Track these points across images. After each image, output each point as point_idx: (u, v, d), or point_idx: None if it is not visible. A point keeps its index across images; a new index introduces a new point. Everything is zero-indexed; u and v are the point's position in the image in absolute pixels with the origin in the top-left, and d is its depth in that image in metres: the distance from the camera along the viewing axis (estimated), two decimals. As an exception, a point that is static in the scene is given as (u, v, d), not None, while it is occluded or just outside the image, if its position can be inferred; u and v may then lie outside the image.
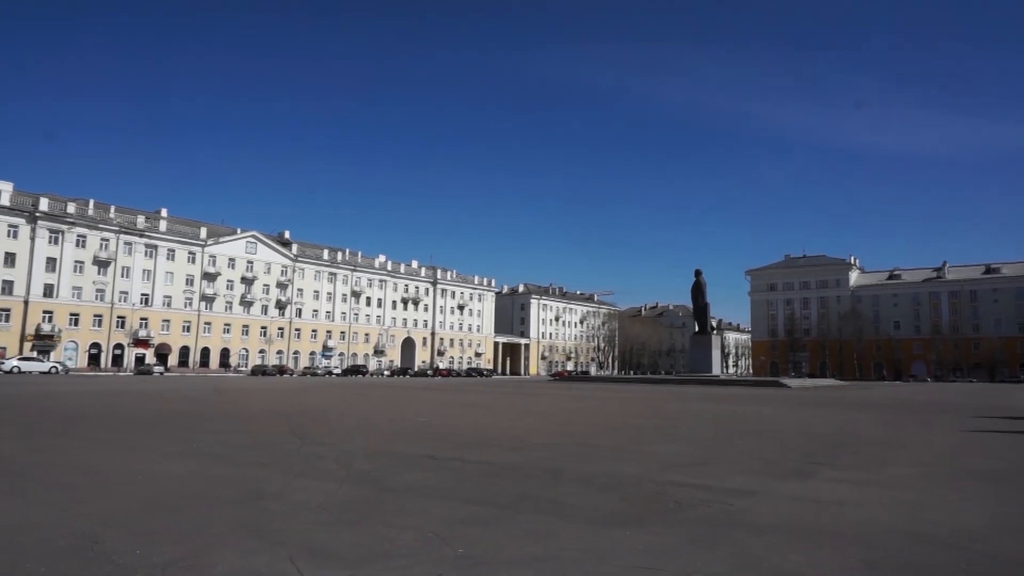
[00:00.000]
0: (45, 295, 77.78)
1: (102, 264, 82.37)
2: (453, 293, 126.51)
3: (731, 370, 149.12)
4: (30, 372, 56.07)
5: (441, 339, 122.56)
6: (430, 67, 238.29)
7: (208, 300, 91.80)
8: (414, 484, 6.84)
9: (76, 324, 79.75)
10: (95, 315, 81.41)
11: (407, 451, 9.44)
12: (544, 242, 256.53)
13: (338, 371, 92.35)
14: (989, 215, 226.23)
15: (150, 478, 7.05)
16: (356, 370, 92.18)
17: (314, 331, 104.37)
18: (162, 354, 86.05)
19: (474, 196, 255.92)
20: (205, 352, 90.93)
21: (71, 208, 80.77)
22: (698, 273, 57.87)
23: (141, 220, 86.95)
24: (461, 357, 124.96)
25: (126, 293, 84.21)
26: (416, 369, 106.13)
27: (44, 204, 78.22)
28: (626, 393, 33.71)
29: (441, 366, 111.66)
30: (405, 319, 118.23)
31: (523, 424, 14.88)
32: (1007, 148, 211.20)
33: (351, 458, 8.53)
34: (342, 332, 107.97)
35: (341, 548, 4.43)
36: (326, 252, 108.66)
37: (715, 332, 60.35)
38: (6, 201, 75.42)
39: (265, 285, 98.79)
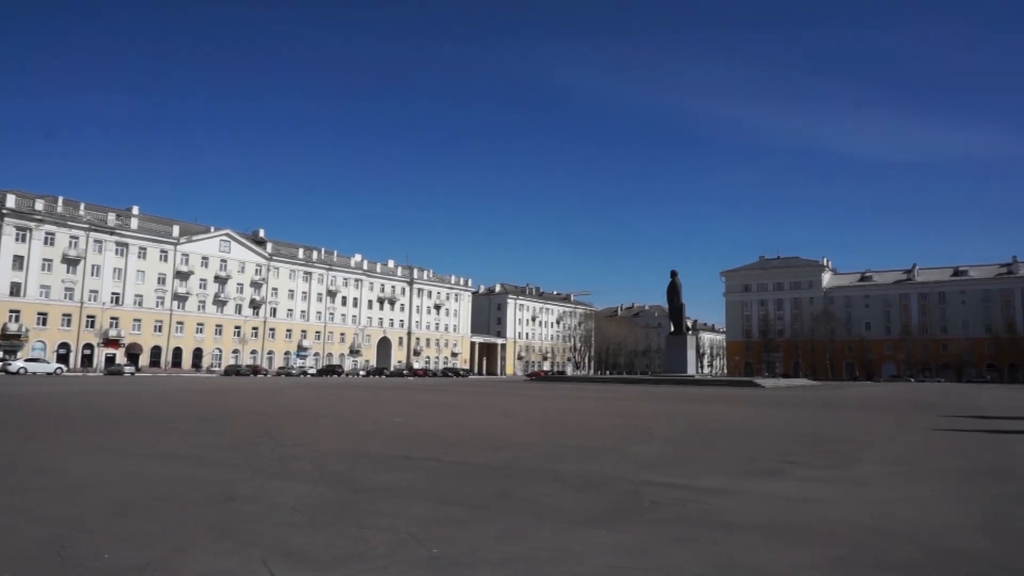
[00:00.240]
0: (12, 294, 76.12)
1: (71, 262, 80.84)
2: (430, 293, 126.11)
3: (706, 370, 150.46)
4: (35, 373, 57.30)
5: (417, 339, 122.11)
6: (407, 64, 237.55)
7: (180, 299, 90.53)
8: (389, 485, 6.80)
9: (44, 324, 78.18)
10: (64, 314, 79.88)
11: (382, 451, 9.39)
12: (521, 242, 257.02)
13: (313, 371, 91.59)
14: (957, 219, 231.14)
15: (120, 480, 6.94)
16: (331, 370, 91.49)
17: (289, 331, 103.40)
18: (133, 354, 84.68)
19: (451, 196, 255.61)
20: (177, 352, 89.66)
21: (39, 205, 79.18)
22: (674, 274, 58.30)
23: (112, 217, 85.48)
24: (437, 357, 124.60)
25: (96, 292, 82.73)
26: (392, 369, 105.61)
27: (11, 201, 76.58)
28: (602, 393, 33.85)
29: (417, 366, 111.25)
30: (381, 319, 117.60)
31: (499, 424, 14.88)
32: (975, 153, 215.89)
33: (325, 459, 8.46)
34: (317, 332, 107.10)
35: (315, 550, 4.39)
36: (301, 251, 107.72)
37: (690, 332, 60.87)
38: (-29, 197, 73.72)
39: (239, 284, 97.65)
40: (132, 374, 68.02)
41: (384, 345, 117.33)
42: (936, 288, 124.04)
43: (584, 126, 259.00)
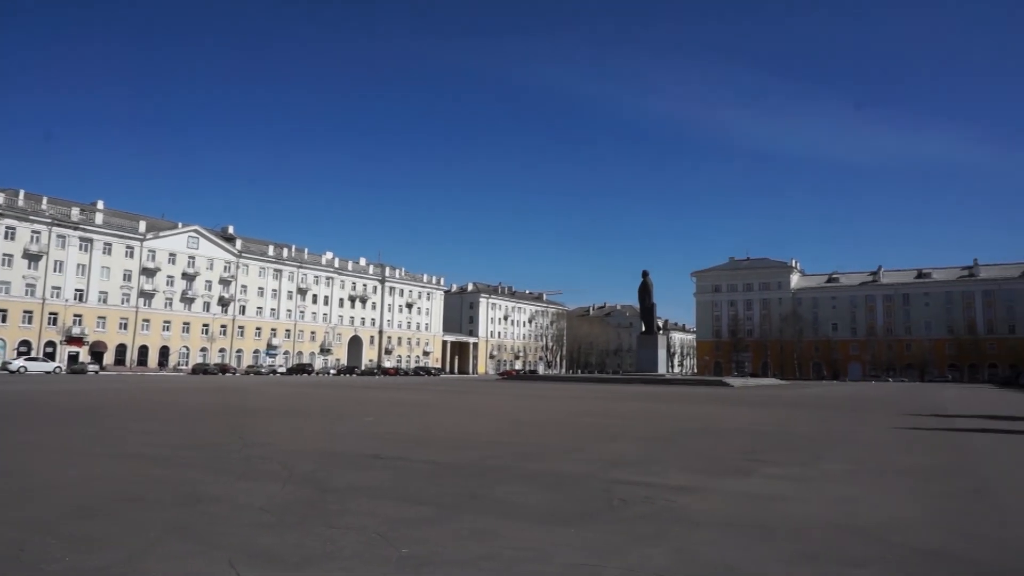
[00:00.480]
0: (-30, 290, 74.12)
1: (33, 258, 78.90)
2: (402, 291, 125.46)
3: (676, 369, 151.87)
4: (35, 372, 58.38)
5: (389, 337, 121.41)
6: (380, 61, 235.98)
7: (147, 296, 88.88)
8: (358, 484, 6.76)
9: (4, 320, 76.21)
10: (25, 311, 77.94)
11: (352, 451, 9.33)
12: (494, 241, 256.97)
13: (283, 370, 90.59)
14: (922, 222, 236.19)
15: (82, 481, 6.80)
16: (301, 369, 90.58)
17: (258, 329, 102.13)
18: (97, 352, 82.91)
19: (424, 194, 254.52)
20: (143, 350, 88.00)
21: (-1, 199, 77.24)
22: (645, 274, 58.81)
23: (75, 212, 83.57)
24: (409, 356, 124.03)
25: (59, 288, 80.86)
26: (363, 368, 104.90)
27: (-30, 194, 74.51)
28: (573, 392, 34.00)
29: (388, 365, 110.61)
30: (352, 317, 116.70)
31: (470, 423, 14.87)
32: (939, 159, 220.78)
33: (294, 459, 8.38)
34: (287, 330, 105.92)
35: (283, 550, 4.35)
36: (271, 248, 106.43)
37: (661, 332, 61.42)
38: (-72, 190, 71.57)
39: (207, 281, 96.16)
40: (96, 373, 66.65)
41: (355, 344, 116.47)
42: (900, 290, 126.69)
43: (558, 126, 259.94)
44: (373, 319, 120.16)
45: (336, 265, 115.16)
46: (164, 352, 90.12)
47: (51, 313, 79.88)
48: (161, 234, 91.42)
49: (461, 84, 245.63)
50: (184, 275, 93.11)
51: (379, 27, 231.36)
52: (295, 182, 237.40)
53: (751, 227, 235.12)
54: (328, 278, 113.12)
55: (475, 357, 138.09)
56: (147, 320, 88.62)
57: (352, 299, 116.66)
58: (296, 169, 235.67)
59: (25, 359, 64.51)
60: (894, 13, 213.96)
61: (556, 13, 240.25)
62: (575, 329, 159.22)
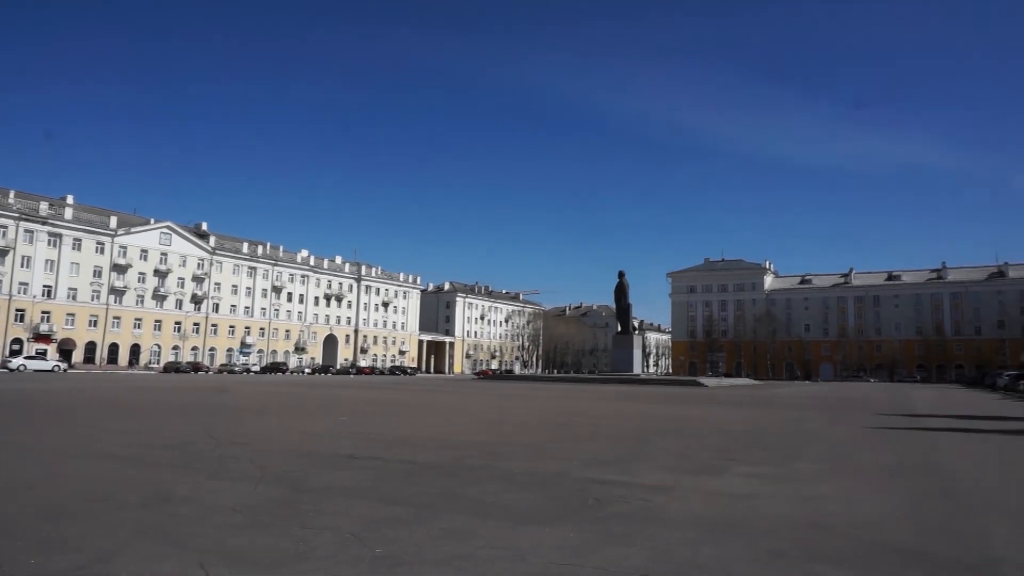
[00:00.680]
0: (-67, 285, 72.31)
1: (-1, 253, 77.25)
2: (378, 290, 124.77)
3: (652, 369, 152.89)
4: (35, 370, 59.09)
5: (365, 336, 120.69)
6: (358, 56, 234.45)
7: (118, 293, 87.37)
8: (333, 484, 6.71)
9: (-31, 317, 74.49)
10: (-10, 307, 76.24)
11: (327, 450, 9.26)
12: (471, 241, 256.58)
13: (257, 368, 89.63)
14: (892, 225, 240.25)
15: (50, 482, 6.67)
16: (276, 367, 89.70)
17: (232, 327, 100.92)
18: (66, 350, 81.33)
19: (401, 193, 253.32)
20: (113, 348, 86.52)
21: (-35, 193, 75.42)
22: (621, 275, 59.15)
23: (44, 207, 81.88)
24: (385, 355, 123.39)
25: (26, 284, 79.15)
26: (338, 367, 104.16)
27: (-66, 187, 72.69)
28: (549, 392, 34.09)
29: (364, 364, 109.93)
30: (328, 316, 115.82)
31: (446, 422, 14.84)
32: (909, 164, 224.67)
33: (268, 458, 8.30)
34: (261, 328, 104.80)
35: (255, 551, 4.30)
36: (246, 245, 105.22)
37: (637, 332, 61.80)
38: None
39: (180, 278, 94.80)
40: (64, 371, 65.39)
41: (330, 342, 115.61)
42: (871, 292, 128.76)
43: (536, 126, 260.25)
44: (349, 318, 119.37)
45: (312, 263, 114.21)
46: (135, 350, 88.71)
47: (18, 310, 78.20)
48: (133, 230, 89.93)
49: (439, 82, 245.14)
50: (156, 272, 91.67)
51: (354, 23, 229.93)
52: (270, 179, 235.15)
53: (726, 229, 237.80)
54: (303, 276, 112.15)
55: (451, 357, 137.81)
56: (118, 317, 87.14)
57: (328, 298, 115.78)
58: (271, 166, 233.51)
59: (24, 357, 64.95)
60: (866, 20, 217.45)
61: (534, 11, 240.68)
62: (551, 329, 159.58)
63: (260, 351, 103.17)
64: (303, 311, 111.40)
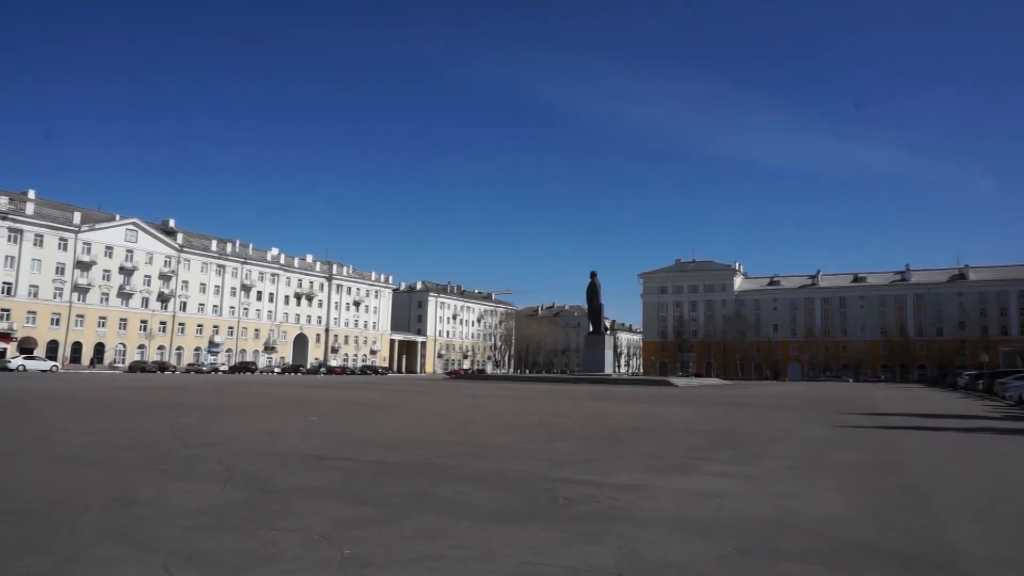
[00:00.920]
0: None
1: (-43, 249, 75.07)
2: (349, 289, 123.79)
3: (623, 369, 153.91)
4: (39, 370, 60.50)
5: (335, 336, 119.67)
6: (330, 53, 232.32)
7: (81, 291, 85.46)
8: (302, 485, 6.65)
9: (-76, 315, 72.28)
10: (-52, 305, 74.07)
11: (296, 451, 9.17)
12: (443, 240, 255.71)
13: (225, 368, 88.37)
14: (858, 228, 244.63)
15: (13, 484, 6.52)
16: (244, 367, 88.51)
17: (200, 326, 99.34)
18: (27, 349, 79.33)
19: (372, 191, 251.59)
20: (77, 347, 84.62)
21: (-79, 187, 73.16)
22: (593, 275, 59.45)
23: (4, 201, 79.70)
24: (356, 355, 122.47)
25: (-15, 282, 77.12)
26: (308, 367, 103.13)
27: None
28: (521, 392, 34.15)
29: (335, 363, 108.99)
30: (298, 315, 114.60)
31: (417, 422, 14.78)
32: (874, 168, 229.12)
33: (235, 458, 8.19)
34: (230, 327, 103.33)
35: (221, 553, 4.24)
36: (214, 243, 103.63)
37: (608, 332, 62.15)
38: None
39: (146, 276, 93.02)
40: (24, 370, 63.85)
41: (301, 342, 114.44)
42: (838, 293, 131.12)
43: (507, 127, 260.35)
44: (320, 317, 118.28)
45: (282, 261, 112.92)
46: (99, 349, 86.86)
47: (-23, 307, 76.12)
48: (97, 226, 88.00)
49: (412, 81, 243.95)
50: (122, 269, 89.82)
51: (328, 19, 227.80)
52: (240, 176, 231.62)
53: (697, 230, 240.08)
54: (273, 275, 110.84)
55: (423, 356, 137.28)
56: (81, 316, 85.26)
57: (298, 296, 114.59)
58: (241, 163, 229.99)
59: (24, 358, 65.65)
60: (834, 25, 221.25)
61: (510, 13, 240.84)
62: (524, 329, 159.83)
63: (229, 350, 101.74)
64: (273, 310, 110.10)
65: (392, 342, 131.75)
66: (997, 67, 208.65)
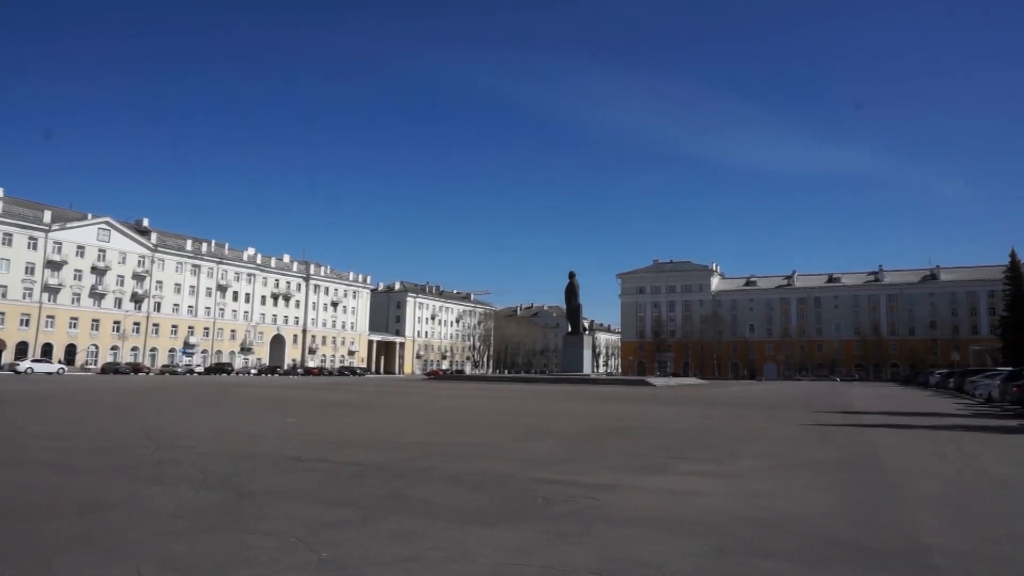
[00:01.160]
0: None
1: (-77, 249, 73.32)
2: (327, 289, 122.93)
3: (601, 369, 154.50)
4: (41, 373, 61.92)
5: (313, 337, 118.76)
6: (304, 51, 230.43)
7: (52, 291, 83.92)
8: (278, 487, 6.59)
9: None
10: (-87, 306, 72.33)
11: (272, 453, 9.08)
12: (422, 240, 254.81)
13: (200, 369, 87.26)
14: (832, 229, 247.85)
15: (-26, 488, 6.36)
16: (220, 368, 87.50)
17: (174, 326, 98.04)
18: (-6, 350, 77.76)
19: (349, 191, 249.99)
20: (47, 348, 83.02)
21: None
22: (572, 275, 59.62)
23: (-28, 201, 78.17)
24: (334, 355, 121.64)
25: (-48, 282, 75.40)
26: (285, 368, 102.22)
27: None
28: (500, 392, 34.14)
29: (312, 364, 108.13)
30: (275, 315, 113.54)
31: (395, 424, 14.72)
32: (847, 169, 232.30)
33: (210, 461, 8.10)
34: (206, 328, 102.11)
35: (195, 558, 4.19)
36: (189, 243, 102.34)
37: (587, 333, 62.41)
38: None
39: (119, 276, 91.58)
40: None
41: (277, 343, 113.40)
42: (813, 293, 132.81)
43: (483, 127, 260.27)
44: (297, 317, 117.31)
45: (258, 261, 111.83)
46: (71, 351, 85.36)
47: (-57, 308, 74.44)
48: (68, 225, 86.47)
49: (391, 79, 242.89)
50: (94, 269, 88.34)
51: (301, 14, 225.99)
52: (215, 176, 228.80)
53: (675, 231, 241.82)
54: (250, 275, 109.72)
55: (402, 357, 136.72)
56: (52, 316, 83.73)
57: (275, 297, 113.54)
58: (216, 162, 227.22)
59: (32, 360, 68.29)
60: (808, 29, 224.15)
61: (491, 13, 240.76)
62: (502, 329, 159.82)
63: (204, 351, 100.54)
64: (249, 310, 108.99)
65: (370, 343, 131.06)
66: (966, 73, 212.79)
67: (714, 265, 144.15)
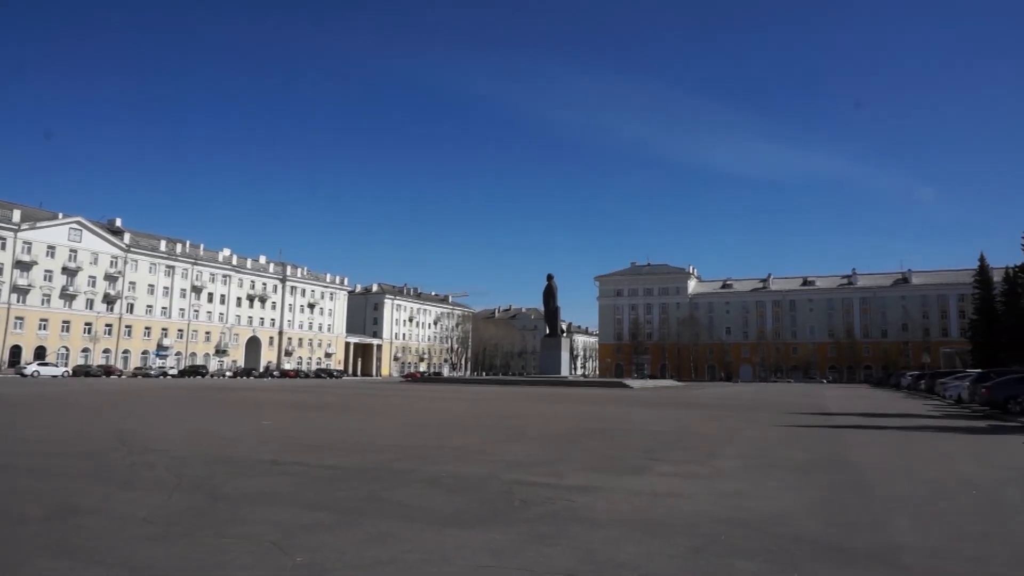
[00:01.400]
0: None
1: None
2: (303, 291, 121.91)
3: (579, 371, 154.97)
4: (47, 376, 62.97)
5: (289, 339, 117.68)
6: (280, 52, 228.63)
7: (21, 292, 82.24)
8: (253, 491, 6.52)
9: None
10: None
11: (248, 456, 8.98)
12: (399, 242, 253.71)
13: (174, 371, 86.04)
14: (807, 233, 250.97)
15: (-61, 493, 6.22)
16: (195, 371, 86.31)
17: (148, 328, 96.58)
18: (-36, 352, 76.07)
19: (327, 192, 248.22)
20: (16, 350, 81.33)
21: None
22: (550, 278, 59.79)
23: (-62, 200, 76.45)
24: (311, 358, 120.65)
25: (-83, 283, 73.61)
26: (261, 370, 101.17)
27: None
28: (478, 394, 34.09)
29: (288, 367, 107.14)
30: (251, 317, 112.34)
31: (372, 426, 14.64)
32: (821, 174, 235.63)
33: (184, 465, 7.99)
34: (180, 330, 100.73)
35: (167, 564, 4.13)
36: (164, 243, 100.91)
37: (565, 335, 62.48)
38: None
39: (91, 277, 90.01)
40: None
41: (253, 345, 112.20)
42: (788, 296, 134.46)
43: (461, 129, 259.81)
44: (273, 319, 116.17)
45: (234, 262, 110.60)
46: (40, 352, 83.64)
47: (-93, 310, 72.66)
48: (38, 225, 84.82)
49: (363, 81, 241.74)
50: (65, 270, 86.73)
51: (274, 15, 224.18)
52: (190, 175, 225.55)
53: (652, 234, 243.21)
54: (225, 276, 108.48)
55: (379, 359, 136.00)
56: (20, 318, 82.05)
57: (251, 298, 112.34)
58: (190, 162, 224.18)
59: (39, 364, 69.38)
60: (782, 32, 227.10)
61: (470, 18, 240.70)
62: (480, 331, 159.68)
63: (178, 354, 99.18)
64: (224, 312, 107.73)
65: (347, 345, 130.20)
66: (940, 79, 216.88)
67: (691, 268, 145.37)
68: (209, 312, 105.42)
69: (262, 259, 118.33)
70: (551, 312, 59.31)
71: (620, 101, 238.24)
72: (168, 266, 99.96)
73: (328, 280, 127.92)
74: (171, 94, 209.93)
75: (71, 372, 71.99)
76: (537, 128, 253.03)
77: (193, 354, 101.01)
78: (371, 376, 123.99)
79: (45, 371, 66.54)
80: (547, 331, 59.87)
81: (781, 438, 13.31)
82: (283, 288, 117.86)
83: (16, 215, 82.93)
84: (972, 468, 9.43)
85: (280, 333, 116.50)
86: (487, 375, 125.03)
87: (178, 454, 9.02)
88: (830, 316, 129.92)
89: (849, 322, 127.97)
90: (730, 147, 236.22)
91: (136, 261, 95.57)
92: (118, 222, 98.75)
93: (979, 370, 38.30)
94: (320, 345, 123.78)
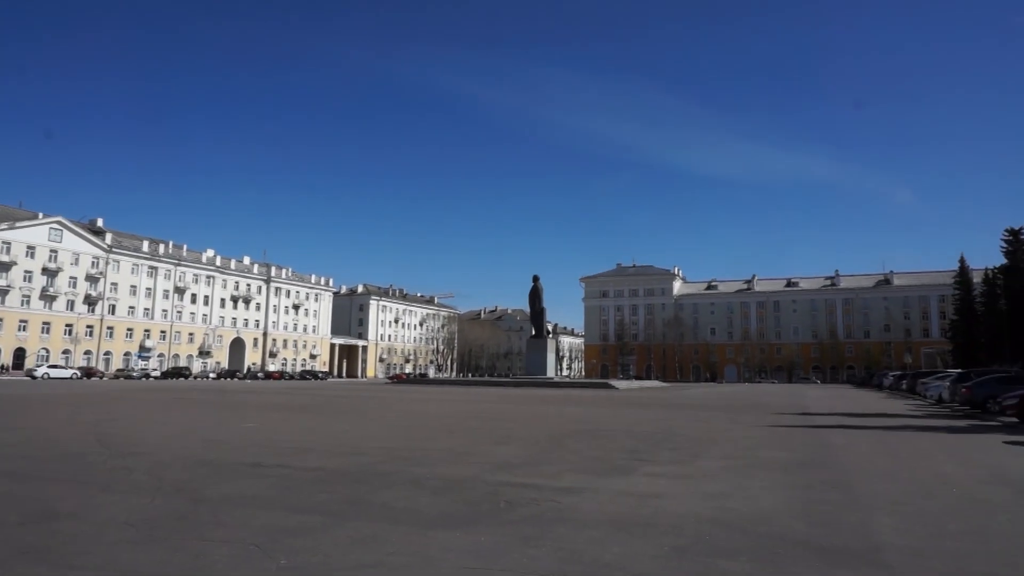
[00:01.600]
0: None
1: None
2: (288, 292, 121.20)
3: (565, 372, 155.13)
4: (58, 378, 64.79)
5: (274, 340, 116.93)
6: (267, 48, 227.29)
7: (0, 293, 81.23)
8: (235, 494, 6.46)
9: None
10: None
11: (230, 459, 8.90)
12: (385, 243, 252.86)
13: (157, 373, 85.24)
14: (791, 234, 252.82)
15: (-86, 498, 6.11)
16: (178, 372, 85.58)
17: (130, 330, 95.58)
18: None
19: (312, 192, 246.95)
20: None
21: None
22: (536, 279, 59.82)
23: (-85, 200, 75.27)
24: (295, 359, 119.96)
25: None
26: (245, 371, 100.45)
27: None
28: (463, 395, 34.04)
29: (273, 368, 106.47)
30: (235, 318, 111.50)
31: (357, 428, 14.58)
32: (805, 176, 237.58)
33: (165, 468, 7.91)
34: (163, 331, 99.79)
35: (148, 568, 4.08)
36: (146, 244, 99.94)
37: (551, 336, 62.51)
38: None
39: (72, 278, 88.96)
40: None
41: (237, 346, 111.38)
42: (772, 297, 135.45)
43: (447, 130, 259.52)
44: (257, 320, 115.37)
45: (218, 263, 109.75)
46: (19, 354, 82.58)
47: None
48: (17, 224, 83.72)
49: (347, 80, 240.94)
50: (45, 270, 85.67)
51: (261, 15, 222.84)
52: (174, 175, 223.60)
53: (638, 235, 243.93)
54: (209, 277, 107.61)
55: (364, 360, 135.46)
56: (0, 319, 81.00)
57: (235, 299, 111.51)
58: (174, 162, 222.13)
59: (48, 366, 71.93)
60: (770, 35, 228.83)
61: (453, 18, 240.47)
62: (466, 332, 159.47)
63: (161, 355, 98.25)
64: (208, 313, 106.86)
65: (332, 346, 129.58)
66: (923, 82, 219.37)
67: (676, 269, 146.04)
68: (192, 313, 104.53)
69: (246, 260, 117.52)
70: (537, 313, 59.34)
71: (606, 102, 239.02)
72: (151, 267, 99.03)
73: (313, 281, 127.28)
74: (155, 94, 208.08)
75: (80, 374, 72.67)
76: (523, 129, 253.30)
77: (176, 356, 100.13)
78: (356, 378, 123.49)
79: (55, 373, 68.11)
80: (533, 332, 59.89)
81: (765, 438, 13.39)
82: (267, 289, 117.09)
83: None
84: (953, 467, 9.53)
85: (264, 334, 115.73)
86: (473, 376, 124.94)
87: (159, 457, 8.93)
88: (813, 317, 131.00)
89: (832, 323, 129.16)
90: (715, 149, 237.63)
91: (118, 262, 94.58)
92: (100, 222, 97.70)
93: (959, 370, 38.79)
94: (305, 346, 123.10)
